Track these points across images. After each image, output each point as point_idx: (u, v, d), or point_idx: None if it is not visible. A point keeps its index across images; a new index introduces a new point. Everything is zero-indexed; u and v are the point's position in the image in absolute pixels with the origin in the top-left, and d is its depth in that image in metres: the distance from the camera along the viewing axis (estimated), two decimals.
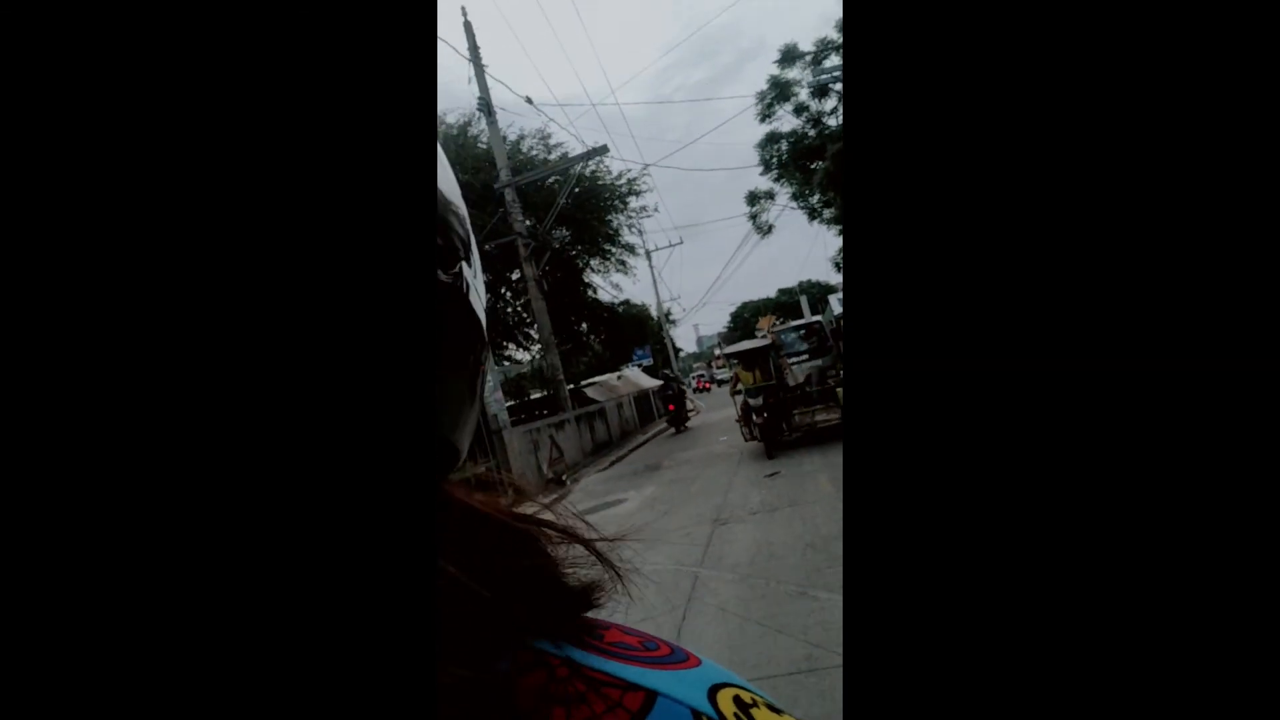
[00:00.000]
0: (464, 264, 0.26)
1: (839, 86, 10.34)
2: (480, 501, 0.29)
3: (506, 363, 17.30)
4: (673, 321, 31.44)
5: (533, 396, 15.03)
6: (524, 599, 0.26)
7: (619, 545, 0.31)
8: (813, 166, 12.43)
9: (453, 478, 0.29)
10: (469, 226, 0.28)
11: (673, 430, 15.09)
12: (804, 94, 11.70)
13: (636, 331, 21.90)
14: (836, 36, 11.15)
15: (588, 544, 0.30)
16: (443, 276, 0.25)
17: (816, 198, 13.11)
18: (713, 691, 0.25)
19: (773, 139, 13.02)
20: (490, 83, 13.77)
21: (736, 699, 0.26)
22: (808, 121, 12.35)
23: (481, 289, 0.28)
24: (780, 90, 12.26)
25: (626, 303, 20.98)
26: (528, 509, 0.30)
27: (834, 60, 10.99)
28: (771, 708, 0.27)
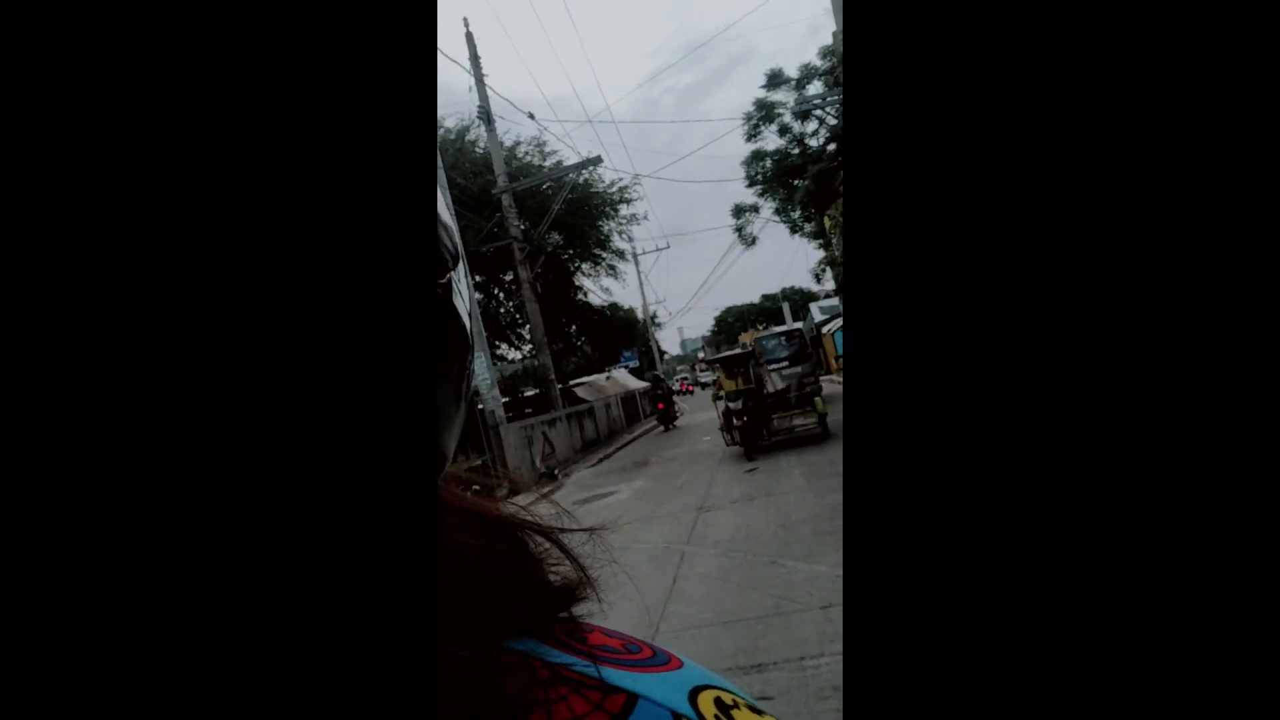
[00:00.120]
0: (451, 274, 0.27)
1: (820, 112, 11.06)
2: (462, 499, 0.30)
3: (500, 362, 17.84)
4: (658, 325, 32.11)
5: (525, 394, 15.60)
6: (504, 596, 0.27)
7: (612, 529, 0.33)
8: (795, 184, 13.17)
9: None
10: (457, 239, 0.29)
11: (661, 428, 15.88)
12: (788, 116, 12.42)
13: (625, 334, 22.58)
14: (820, 62, 11.89)
15: (562, 546, 0.30)
16: None
17: (798, 213, 13.85)
18: (694, 694, 0.26)
19: (758, 157, 13.75)
20: (492, 95, 14.36)
21: (718, 701, 0.26)
22: (791, 142, 13.09)
23: (467, 297, 0.29)
24: (766, 112, 13.00)
25: (615, 306, 21.65)
26: (521, 501, 0.31)
27: (817, 86, 11.72)
28: (752, 709, 0.27)
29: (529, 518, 0.30)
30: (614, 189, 19.13)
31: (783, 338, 10.60)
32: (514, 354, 19.61)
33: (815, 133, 12.37)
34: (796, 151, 13.11)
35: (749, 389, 9.01)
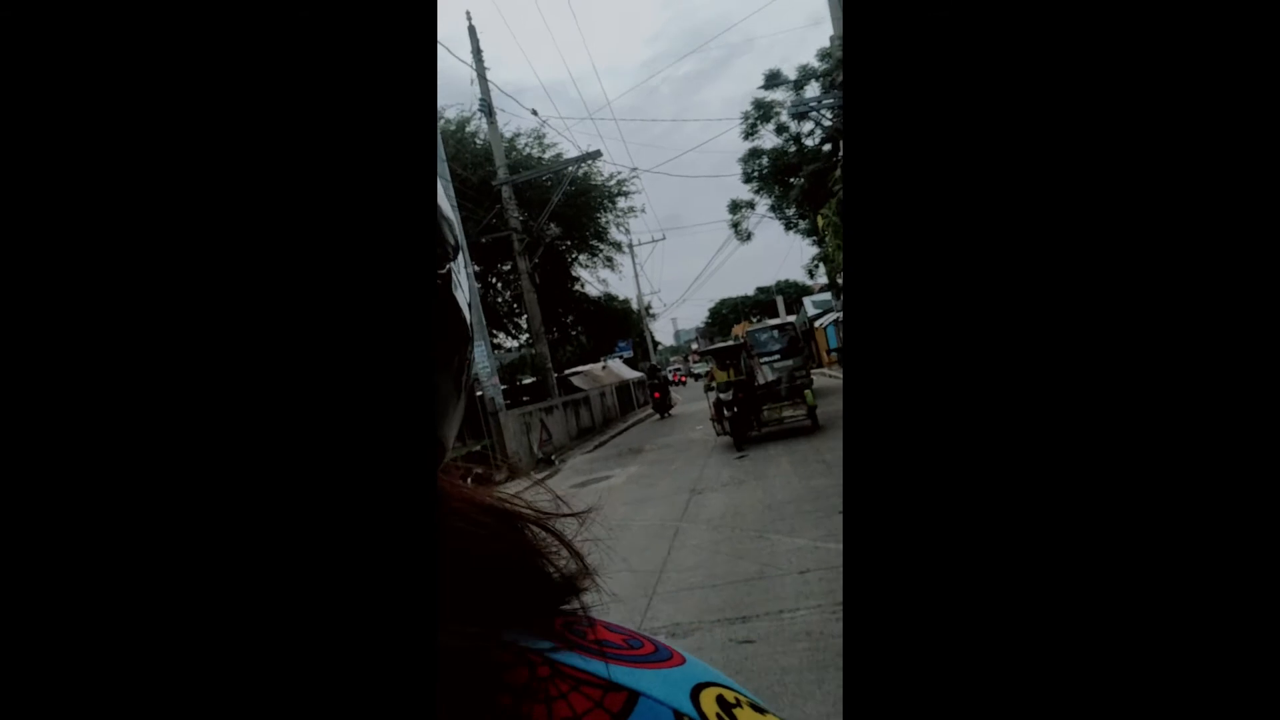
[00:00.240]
0: (451, 265, 0.27)
1: (816, 113, 11.40)
2: (459, 490, 0.29)
3: (498, 350, 18.18)
4: (653, 315, 32.46)
5: (523, 382, 15.94)
6: (502, 590, 0.26)
7: (604, 511, 0.33)
8: (791, 181, 13.52)
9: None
10: (458, 230, 0.29)
11: (657, 416, 16.37)
12: (785, 115, 12.76)
13: (620, 324, 22.93)
14: (817, 64, 12.21)
15: (560, 536, 0.30)
16: None
17: (793, 210, 14.21)
18: (695, 691, 0.25)
19: (755, 154, 14.09)
20: (494, 90, 14.60)
21: (720, 699, 0.26)
22: (788, 140, 13.43)
23: (467, 288, 0.29)
24: (763, 111, 13.33)
25: (611, 297, 21.98)
26: (519, 487, 0.31)
27: (813, 88, 12.05)
28: (755, 707, 0.27)
29: (525, 509, 0.30)
30: (612, 182, 19.47)
31: (775, 331, 10.91)
32: (511, 343, 19.96)
33: (811, 132, 12.72)
34: (793, 150, 13.46)
35: (740, 380, 9.19)
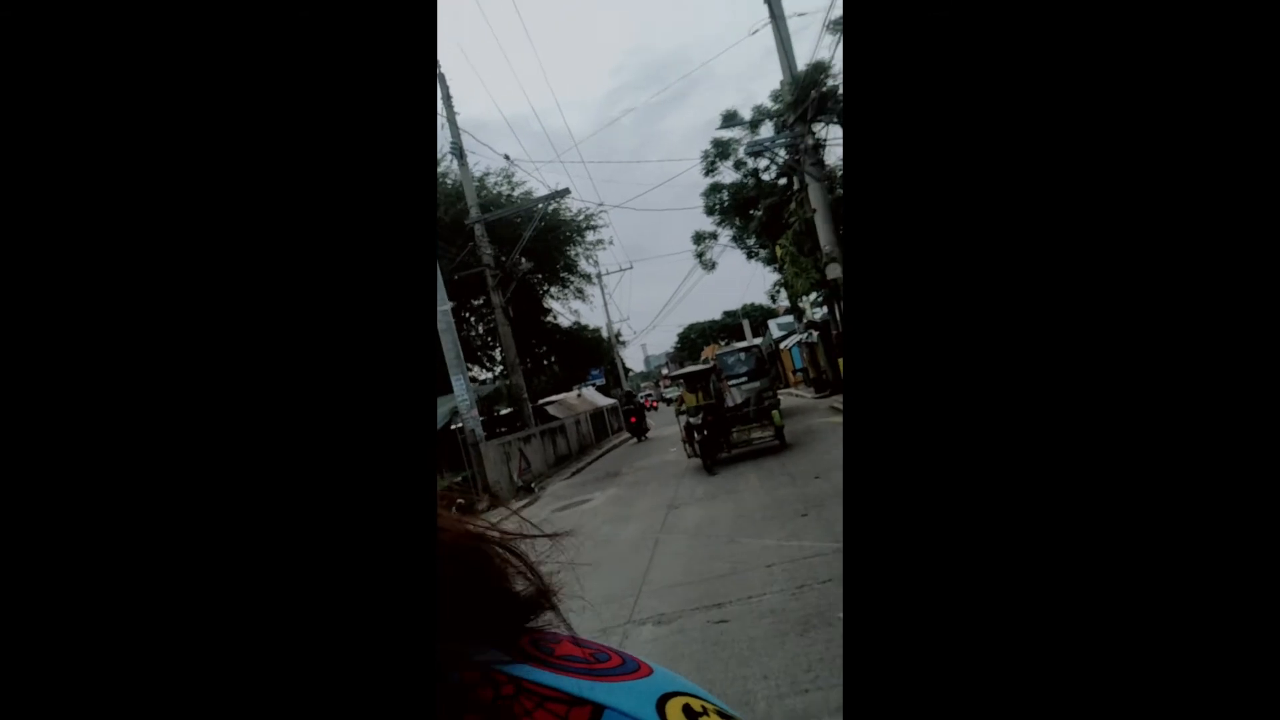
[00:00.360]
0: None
1: (769, 151, 12.23)
2: None
3: (474, 382, 18.55)
4: (623, 343, 33.04)
5: (500, 413, 16.32)
6: (466, 610, 0.26)
7: (595, 526, 0.77)
8: (751, 213, 14.33)
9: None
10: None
11: (634, 440, 16.87)
12: (742, 152, 13.59)
13: (593, 353, 23.47)
14: (770, 104, 13.08)
15: (521, 557, 0.30)
16: None
17: (753, 240, 15.01)
18: (661, 701, 0.26)
19: (715, 189, 14.90)
20: (470, 142, 15.18)
21: (686, 708, 0.26)
22: (746, 175, 14.27)
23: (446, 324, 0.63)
24: (721, 149, 14.17)
25: (583, 326, 22.55)
26: (495, 516, 0.32)
27: (767, 129, 12.91)
28: (723, 715, 0.27)
29: (489, 530, 0.30)
30: (580, 217, 20.17)
31: (742, 353, 11.48)
32: (485, 375, 20.32)
33: (767, 168, 13.56)
34: (751, 184, 14.30)
35: (709, 404, 9.40)
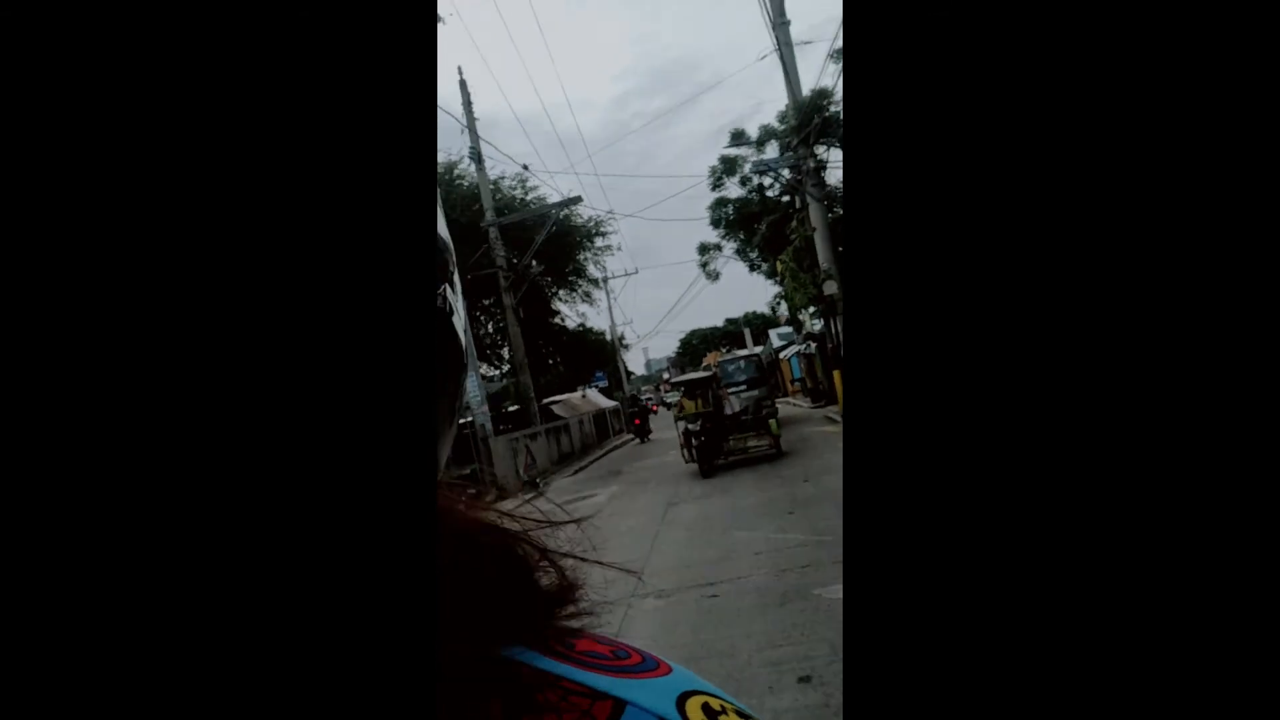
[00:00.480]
0: (447, 286, 0.27)
1: (774, 171, 12.83)
2: (451, 507, 0.29)
3: (484, 380, 19.14)
4: (626, 346, 33.62)
5: (507, 409, 16.90)
6: (493, 605, 0.27)
7: (599, 519, 0.35)
8: (755, 227, 14.93)
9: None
10: (450, 253, 0.29)
11: (638, 440, 17.65)
12: (748, 168, 14.20)
13: (597, 355, 24.07)
14: (776, 124, 13.68)
15: (547, 554, 0.30)
16: None
17: (756, 254, 15.62)
18: (681, 700, 0.26)
19: (721, 203, 15.52)
20: (489, 150, 15.79)
21: (705, 707, 0.26)
22: (751, 191, 14.87)
23: (463, 313, 0.29)
24: (728, 166, 14.79)
25: (588, 330, 23.15)
26: (510, 505, 0.32)
27: (772, 148, 13.51)
28: (741, 714, 0.27)
29: (515, 525, 0.30)
30: (590, 223, 20.80)
31: (743, 361, 11.95)
32: (493, 373, 20.93)
33: (772, 185, 14.17)
34: (756, 200, 14.90)
35: (707, 412, 9.64)
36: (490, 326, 20.06)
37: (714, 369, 11.97)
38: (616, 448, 17.75)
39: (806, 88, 11.91)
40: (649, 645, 0.29)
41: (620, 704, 0.25)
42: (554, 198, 18.15)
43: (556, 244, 18.98)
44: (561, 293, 21.54)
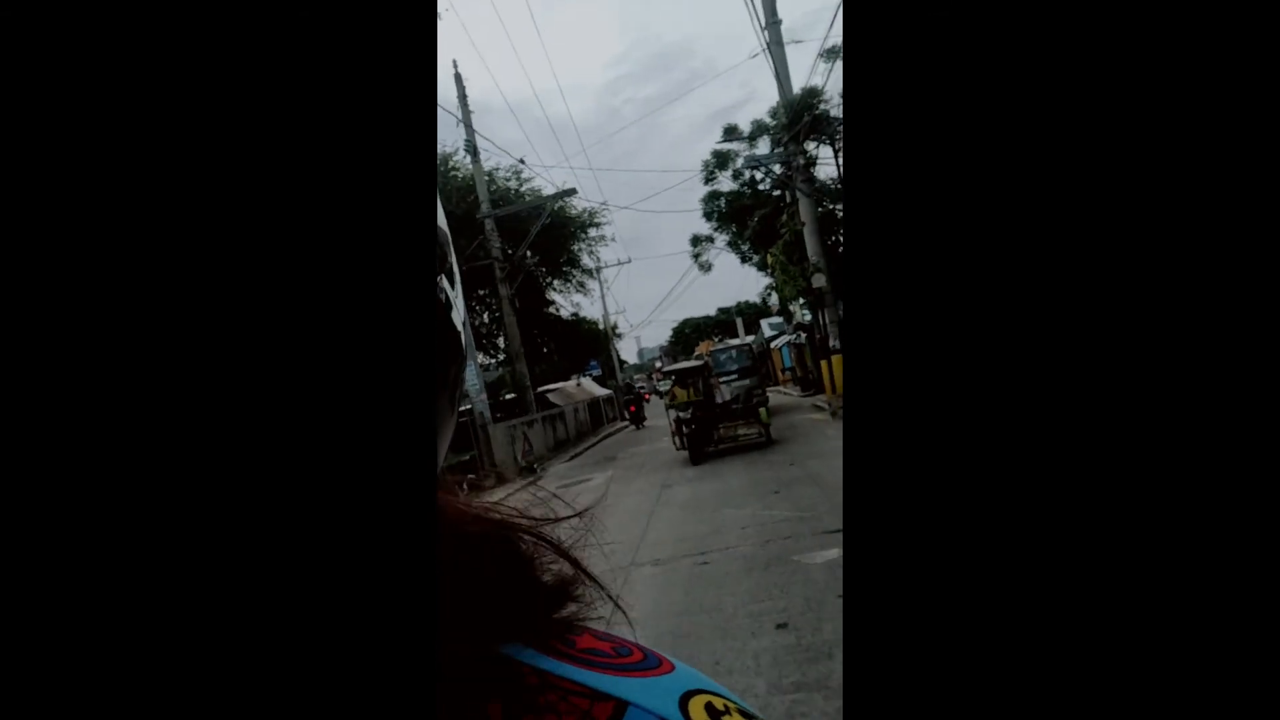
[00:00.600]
0: (444, 278, 0.27)
1: (764, 165, 13.20)
2: (452, 503, 0.29)
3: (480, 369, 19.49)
4: (619, 335, 34.00)
5: (504, 398, 17.28)
6: (494, 602, 0.26)
7: (598, 499, 0.94)
8: (747, 221, 15.31)
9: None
10: (448, 244, 0.28)
11: (633, 427, 18.28)
12: (740, 162, 14.55)
13: (591, 344, 24.46)
14: (768, 120, 14.02)
15: (553, 544, 0.29)
16: None
17: (747, 246, 15.99)
18: (684, 699, 0.25)
19: (714, 196, 15.88)
20: (483, 144, 16.00)
21: (709, 706, 0.26)
22: (743, 185, 15.24)
23: (461, 306, 0.29)
24: (720, 160, 15.13)
25: (582, 319, 23.52)
26: (509, 490, 1.08)
27: (764, 143, 13.87)
28: (745, 714, 0.26)
29: (518, 518, 0.30)
30: (584, 214, 21.11)
31: (735, 351, 12.27)
32: (489, 361, 21.28)
33: (763, 180, 14.54)
34: (748, 193, 15.27)
35: (699, 400, 9.74)
36: (486, 316, 20.39)
37: (706, 358, 12.27)
38: (611, 434, 18.19)
39: (797, 85, 12.25)
40: (648, 604, 0.43)
41: (622, 705, 0.24)
42: (548, 189, 18.51)
43: (551, 235, 19.28)
44: (556, 283, 21.89)
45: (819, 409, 12.84)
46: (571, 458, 13.86)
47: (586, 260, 22.30)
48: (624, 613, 0.31)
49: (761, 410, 10.08)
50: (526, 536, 0.30)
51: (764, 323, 29.32)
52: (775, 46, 12.00)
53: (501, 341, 19.00)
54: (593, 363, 24.82)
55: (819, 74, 13.99)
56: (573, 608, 0.29)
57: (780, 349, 25.79)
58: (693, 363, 11.43)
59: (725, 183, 15.51)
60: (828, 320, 12.15)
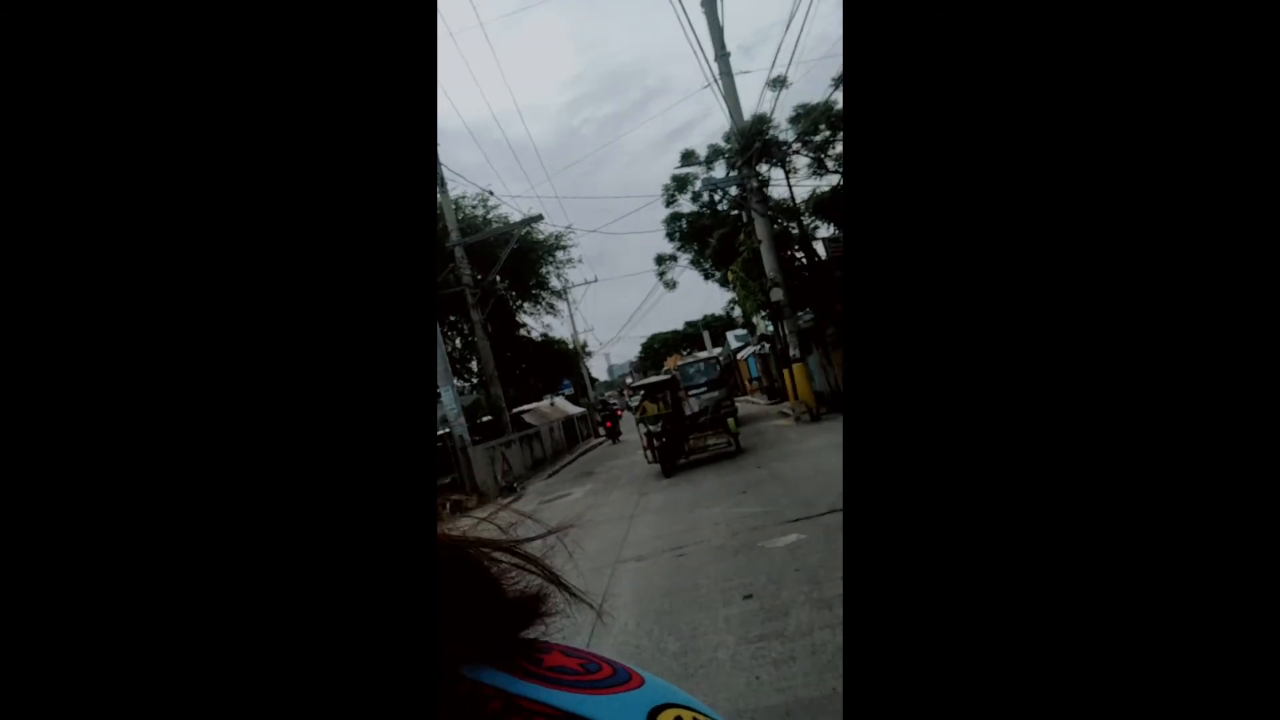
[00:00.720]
0: None
1: (720, 188, 13.96)
2: None
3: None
4: (588, 353, 34.51)
5: (481, 421, 17.64)
6: (458, 625, 0.25)
7: (577, 513, 1.06)
8: (708, 240, 16.04)
9: None
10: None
11: (609, 441, 18.92)
12: (699, 185, 15.29)
13: (563, 364, 24.95)
14: (724, 144, 14.80)
15: (527, 557, 0.29)
16: None
17: (709, 264, 16.72)
18: (653, 714, 0.25)
19: (675, 217, 16.59)
20: (450, 175, 16.49)
21: None
22: (702, 207, 15.98)
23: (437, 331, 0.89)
24: (680, 183, 15.88)
25: (552, 340, 24.01)
26: (485, 511, 0.31)
27: (720, 166, 14.65)
28: None
29: (486, 537, 0.29)
30: (551, 238, 21.69)
31: (702, 364, 12.78)
32: (463, 385, 21.62)
33: (721, 200, 15.28)
34: (708, 213, 16.01)
35: (668, 413, 9.93)
36: (459, 342, 20.77)
37: (674, 372, 12.74)
38: (586, 451, 18.66)
39: (748, 104, 12.96)
40: (632, 592, 0.69)
41: None
42: (514, 216, 19.04)
43: (520, 259, 19.80)
44: (526, 305, 22.40)
45: (784, 415, 13.51)
46: (550, 475, 14.30)
47: (555, 282, 22.91)
48: (602, 621, 0.55)
49: (730, 420, 10.38)
50: (498, 555, 0.29)
51: (730, 335, 30.13)
52: (725, 77, 12.77)
53: (475, 365, 19.39)
54: (565, 382, 25.30)
55: (767, 101, 14.80)
56: (541, 627, 0.29)
57: (747, 360, 26.59)
58: (661, 377, 11.74)
59: (685, 204, 16.25)
60: (787, 331, 12.86)
